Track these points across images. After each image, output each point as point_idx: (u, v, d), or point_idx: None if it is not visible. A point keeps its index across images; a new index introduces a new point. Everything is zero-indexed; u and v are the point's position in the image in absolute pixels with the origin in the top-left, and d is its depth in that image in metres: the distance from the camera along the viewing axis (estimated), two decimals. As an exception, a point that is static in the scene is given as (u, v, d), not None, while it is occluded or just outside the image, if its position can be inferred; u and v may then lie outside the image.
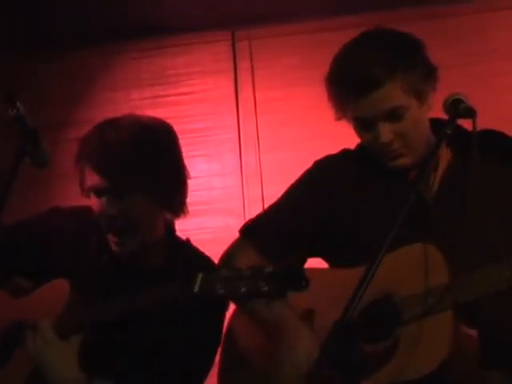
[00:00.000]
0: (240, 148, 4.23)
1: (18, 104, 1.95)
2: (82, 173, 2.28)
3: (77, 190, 2.34)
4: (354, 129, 2.27)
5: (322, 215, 2.30)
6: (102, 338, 2.15)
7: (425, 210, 2.18)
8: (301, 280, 1.84)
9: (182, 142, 4.25)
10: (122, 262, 2.32)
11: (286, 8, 4.19)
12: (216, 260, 2.40)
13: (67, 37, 4.18)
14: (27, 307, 2.24)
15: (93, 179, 2.24)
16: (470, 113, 2.11)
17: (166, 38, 4.37)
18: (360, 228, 2.16)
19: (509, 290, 1.94)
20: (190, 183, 4.19)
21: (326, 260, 2.37)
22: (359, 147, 2.39)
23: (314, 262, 2.40)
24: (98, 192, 2.25)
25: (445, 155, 2.24)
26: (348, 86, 2.21)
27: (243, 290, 1.85)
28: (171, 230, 2.40)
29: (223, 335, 2.33)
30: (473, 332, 2.00)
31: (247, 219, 3.82)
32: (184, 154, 4.25)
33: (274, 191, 3.98)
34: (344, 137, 3.97)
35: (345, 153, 2.41)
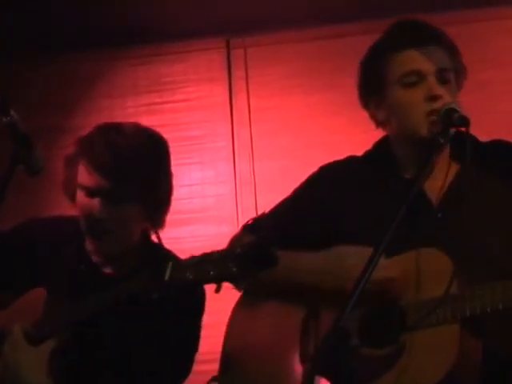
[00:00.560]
0: (234, 156, 4.22)
1: (12, 111, 1.93)
2: (74, 169, 2.26)
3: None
4: (395, 97, 2.23)
5: (326, 219, 2.30)
6: (74, 344, 2.12)
7: (430, 215, 2.18)
8: (269, 258, 1.84)
9: (176, 150, 4.25)
10: (98, 270, 2.30)
11: (281, 16, 4.19)
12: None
13: (64, 43, 4.18)
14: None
15: (92, 178, 2.21)
16: (464, 122, 2.12)
17: (162, 46, 4.37)
18: (364, 232, 2.15)
19: None
20: (184, 191, 4.22)
21: None
22: (366, 154, 2.38)
23: None
24: (94, 192, 2.22)
25: (454, 166, 2.22)
26: (413, 33, 2.24)
27: (212, 273, 1.85)
28: (147, 236, 2.39)
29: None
30: (479, 346, 1.99)
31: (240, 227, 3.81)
32: (178, 162, 4.25)
33: (268, 199, 3.99)
34: (338, 145, 4.02)
35: (351, 159, 2.40)
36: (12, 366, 2.04)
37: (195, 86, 4.33)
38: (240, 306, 2.38)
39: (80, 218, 2.27)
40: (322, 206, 2.31)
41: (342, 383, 2.00)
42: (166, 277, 1.91)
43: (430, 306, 1.97)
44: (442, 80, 2.20)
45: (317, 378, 1.80)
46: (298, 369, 2.14)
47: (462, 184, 2.15)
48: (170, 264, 1.93)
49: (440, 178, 2.19)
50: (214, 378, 2.30)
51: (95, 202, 2.22)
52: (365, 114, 4.24)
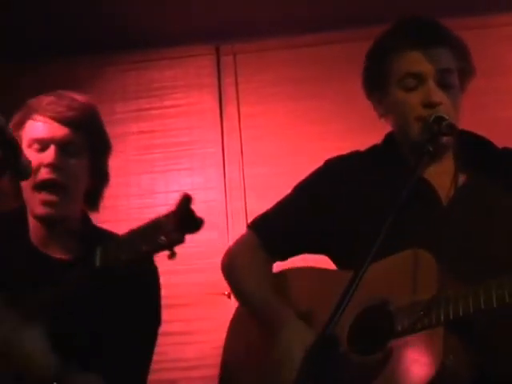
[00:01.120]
0: (224, 162, 4.22)
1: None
2: (19, 128, 2.22)
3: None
4: (395, 98, 2.22)
5: (330, 213, 2.29)
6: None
7: (438, 210, 2.17)
8: (194, 220, 1.84)
9: (165, 156, 4.29)
10: (48, 258, 2.26)
11: (270, 23, 4.19)
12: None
13: (53, 48, 4.17)
14: None
15: (46, 128, 2.18)
16: (452, 129, 2.12)
17: (152, 52, 4.37)
18: (368, 227, 2.14)
19: (499, 308, 1.92)
20: (174, 197, 4.20)
21: (333, 258, 2.35)
22: (370, 149, 2.38)
23: (318, 261, 2.38)
24: (48, 143, 2.19)
25: (464, 172, 2.22)
26: (416, 33, 2.21)
27: (144, 248, 1.84)
28: (87, 219, 2.36)
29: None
30: (465, 347, 1.98)
31: (230, 233, 3.83)
32: (168, 168, 4.29)
33: (257, 205, 3.99)
34: (327, 152, 3.99)
35: (355, 154, 2.39)
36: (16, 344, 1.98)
37: (185, 92, 4.33)
38: (239, 315, 2.36)
39: (26, 187, 2.21)
40: (326, 201, 2.31)
41: None
42: (98, 263, 1.90)
43: (417, 312, 1.97)
44: (443, 83, 2.18)
45: None
46: None
47: (468, 186, 2.16)
48: (99, 249, 1.91)
49: (447, 177, 2.19)
50: None
51: (50, 150, 2.18)
52: (353, 122, 4.27)
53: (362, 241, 1.96)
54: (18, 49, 4.15)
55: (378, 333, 2.04)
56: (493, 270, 1.97)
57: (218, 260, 2.41)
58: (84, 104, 2.25)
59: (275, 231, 2.35)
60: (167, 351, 3.65)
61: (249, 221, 2.46)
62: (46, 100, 2.24)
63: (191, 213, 1.84)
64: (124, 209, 4.13)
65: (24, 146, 2.18)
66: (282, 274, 2.35)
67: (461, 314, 1.93)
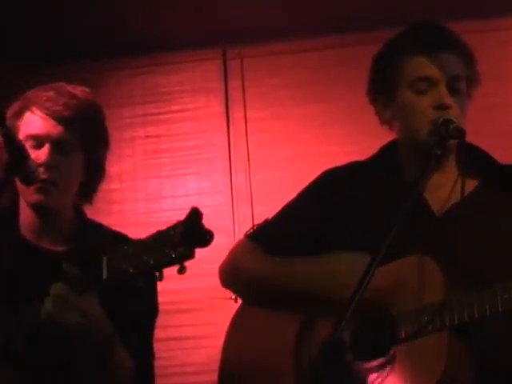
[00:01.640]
0: (230, 166, 4.22)
1: (7, 122, 1.93)
2: (17, 116, 2.22)
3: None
4: (404, 101, 2.22)
5: (330, 223, 2.28)
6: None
7: (430, 222, 2.17)
8: (204, 235, 1.79)
9: (172, 160, 4.29)
10: (35, 247, 2.25)
11: (277, 27, 4.19)
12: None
13: (61, 53, 4.18)
14: None
15: (43, 125, 2.19)
16: (460, 133, 2.12)
17: (158, 56, 4.38)
18: (365, 237, 2.14)
19: (504, 313, 1.92)
20: (181, 201, 4.22)
21: None
22: (370, 158, 2.37)
23: None
24: (43, 140, 2.19)
25: (470, 182, 2.21)
26: (427, 38, 2.21)
27: (152, 262, 1.80)
28: (80, 211, 2.36)
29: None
30: (470, 352, 1.98)
31: (237, 237, 3.82)
32: (175, 172, 4.29)
33: (264, 210, 3.99)
34: (333, 156, 4.01)
35: (355, 163, 2.38)
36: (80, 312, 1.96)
37: (191, 97, 4.34)
38: (237, 319, 2.36)
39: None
40: (325, 211, 2.30)
41: None
42: (105, 275, 1.86)
43: (421, 318, 1.96)
44: (453, 89, 2.18)
45: None
46: None
47: (469, 201, 2.15)
48: (105, 260, 1.87)
49: (445, 189, 2.18)
50: None
51: (44, 149, 2.19)
52: (359, 126, 4.27)
53: (360, 251, 1.97)
54: (26, 53, 4.17)
55: (380, 339, 2.04)
56: (483, 283, 1.97)
57: (225, 265, 2.40)
58: (83, 101, 2.25)
59: (272, 240, 2.34)
60: (175, 356, 3.65)
61: (255, 224, 2.45)
62: (45, 95, 2.24)
63: (200, 227, 1.80)
64: (131, 213, 4.13)
65: (20, 137, 2.20)
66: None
67: (466, 318, 1.93)
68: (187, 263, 2.40)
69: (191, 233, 1.78)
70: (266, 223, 2.37)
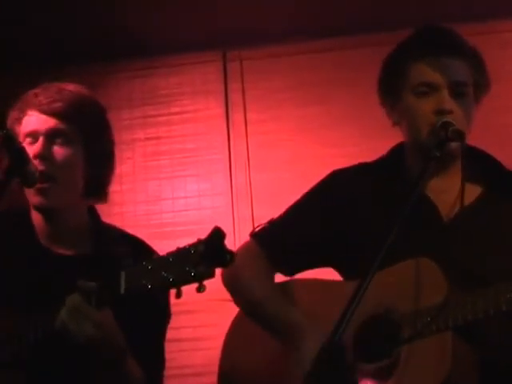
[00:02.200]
0: (230, 168, 4.22)
1: (8, 125, 1.93)
2: (15, 122, 2.24)
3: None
4: (407, 104, 2.23)
5: (335, 225, 2.29)
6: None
7: (438, 227, 2.17)
8: (225, 255, 1.77)
9: (172, 162, 4.29)
10: (48, 251, 2.26)
11: (276, 29, 4.20)
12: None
13: (59, 56, 4.18)
14: None
15: (38, 121, 2.21)
16: (459, 135, 2.13)
17: (158, 58, 4.37)
18: (373, 239, 2.14)
19: (508, 312, 1.92)
20: (180, 203, 4.22)
21: (338, 270, 2.35)
22: (378, 160, 2.37)
23: (323, 273, 2.38)
24: (38, 134, 2.21)
25: (474, 188, 2.21)
26: (433, 43, 2.23)
27: (171, 279, 1.79)
28: (95, 215, 2.36)
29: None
30: (473, 352, 1.98)
31: (237, 239, 3.82)
32: (175, 174, 4.29)
33: (264, 211, 4.01)
34: (332, 158, 4.02)
35: (361, 166, 2.39)
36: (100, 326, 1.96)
37: (191, 99, 4.33)
38: (237, 323, 2.36)
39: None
40: (330, 212, 2.30)
41: None
42: (122, 290, 1.85)
43: (424, 319, 1.96)
44: (456, 93, 2.19)
45: None
46: None
47: (475, 205, 2.15)
48: (123, 274, 1.86)
49: (451, 194, 2.19)
50: None
51: (38, 142, 2.20)
52: (358, 128, 4.27)
53: (367, 253, 1.97)
54: (25, 57, 4.17)
55: (383, 341, 2.04)
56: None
57: (225, 266, 2.40)
58: (72, 92, 2.26)
59: (279, 243, 2.33)
60: (175, 358, 3.64)
61: (255, 226, 2.45)
62: (34, 93, 2.27)
63: (222, 247, 1.78)
64: (131, 215, 4.13)
65: (21, 140, 2.22)
66: (286, 284, 2.34)
67: (470, 318, 1.93)
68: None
69: (212, 252, 1.76)
70: (272, 223, 2.37)
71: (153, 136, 4.32)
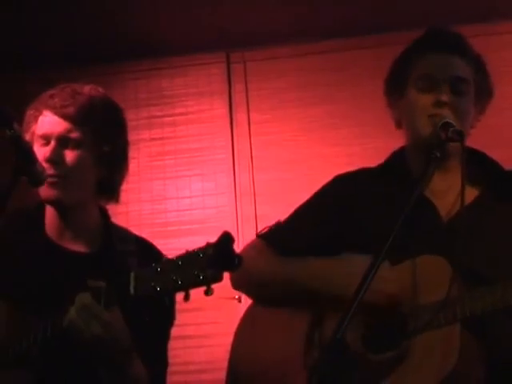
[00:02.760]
0: (234, 168, 4.22)
1: (15, 125, 1.94)
2: (32, 121, 2.26)
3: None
4: (409, 98, 2.23)
5: (339, 227, 2.29)
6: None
7: (438, 228, 2.18)
8: (233, 259, 1.77)
9: (177, 162, 4.29)
10: (59, 248, 2.26)
11: (279, 31, 4.20)
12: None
13: (67, 57, 4.19)
14: None
15: (50, 124, 2.22)
16: (459, 136, 2.13)
17: (163, 60, 4.38)
18: (375, 240, 2.15)
19: None
20: (185, 202, 4.23)
21: None
22: (380, 164, 2.38)
23: None
24: (50, 137, 2.22)
25: (472, 188, 2.21)
26: (437, 39, 2.25)
27: (179, 282, 1.79)
28: (106, 216, 2.36)
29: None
30: (480, 345, 1.98)
31: (240, 237, 3.81)
32: (179, 173, 4.30)
33: (267, 210, 4.02)
34: (335, 157, 4.02)
35: (363, 170, 2.40)
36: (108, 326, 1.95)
37: (195, 100, 4.34)
38: (247, 319, 2.35)
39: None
40: (335, 215, 2.31)
41: None
42: (132, 291, 1.85)
43: (431, 311, 1.97)
44: (456, 90, 2.20)
45: None
46: None
47: (474, 205, 2.15)
48: (133, 275, 1.86)
49: (451, 194, 2.19)
50: None
51: (50, 146, 2.21)
52: (361, 127, 4.27)
53: (369, 253, 1.97)
54: (31, 58, 4.17)
55: (391, 333, 2.05)
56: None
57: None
58: (86, 96, 2.27)
59: (285, 241, 2.33)
60: (179, 354, 3.66)
61: (259, 225, 2.46)
62: (50, 95, 2.27)
63: (231, 251, 1.78)
64: (136, 214, 4.14)
65: (35, 140, 2.24)
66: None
67: (478, 312, 1.94)
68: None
69: (221, 256, 1.76)
70: (278, 226, 2.38)
71: (158, 136, 4.33)
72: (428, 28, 2.32)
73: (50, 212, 2.29)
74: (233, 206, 4.17)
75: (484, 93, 2.28)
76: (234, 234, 4.27)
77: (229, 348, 2.33)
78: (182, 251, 2.40)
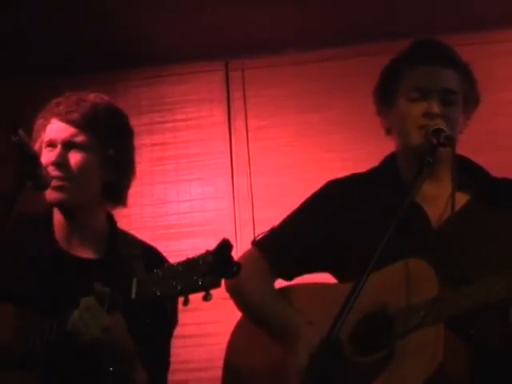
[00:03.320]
0: (232, 172, 4.23)
1: (20, 131, 1.94)
2: (41, 129, 2.28)
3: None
4: (400, 108, 2.25)
5: (331, 231, 2.29)
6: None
7: (429, 234, 2.18)
8: (231, 266, 1.80)
9: (177, 167, 4.29)
10: (66, 254, 2.26)
11: (276, 41, 4.21)
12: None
13: (72, 64, 4.19)
14: None
15: (57, 129, 2.24)
16: (450, 141, 2.13)
17: (164, 68, 4.38)
18: (367, 245, 2.15)
19: (497, 303, 1.93)
20: (185, 206, 4.22)
21: (335, 275, 2.35)
22: (371, 170, 2.38)
23: (321, 277, 2.39)
24: (56, 142, 2.24)
25: (461, 194, 2.21)
26: (427, 52, 2.26)
27: (179, 287, 1.81)
28: (113, 222, 2.37)
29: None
30: (465, 344, 1.98)
31: (239, 240, 3.82)
32: (179, 178, 4.30)
33: (265, 214, 4.02)
34: (330, 162, 4.03)
35: (356, 175, 2.40)
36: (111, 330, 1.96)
37: (195, 106, 4.34)
38: (242, 322, 2.36)
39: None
40: (327, 221, 2.31)
41: None
42: (133, 295, 1.87)
43: (417, 312, 1.97)
44: (445, 101, 2.21)
45: None
46: None
47: (464, 212, 2.16)
48: (135, 281, 1.88)
49: (441, 200, 2.19)
50: None
51: (56, 150, 2.23)
52: (355, 133, 4.27)
53: (361, 258, 1.98)
54: (35, 66, 4.17)
55: (379, 336, 2.05)
56: None
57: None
58: (90, 103, 2.28)
59: (278, 249, 2.34)
60: (179, 353, 3.64)
61: (256, 227, 2.46)
62: (56, 102, 2.30)
63: (229, 259, 1.80)
64: (137, 217, 4.14)
65: (43, 147, 2.26)
66: (285, 290, 2.34)
67: (461, 311, 1.94)
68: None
69: (220, 263, 1.79)
70: (272, 232, 2.38)
71: (159, 142, 4.33)
72: (416, 40, 2.32)
73: (57, 217, 2.30)
74: (231, 210, 4.17)
75: (471, 100, 2.29)
76: (232, 236, 4.31)
77: (228, 347, 2.34)
78: (183, 252, 2.39)
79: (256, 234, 2.42)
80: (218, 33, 4.14)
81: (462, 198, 2.21)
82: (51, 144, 2.25)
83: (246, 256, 2.37)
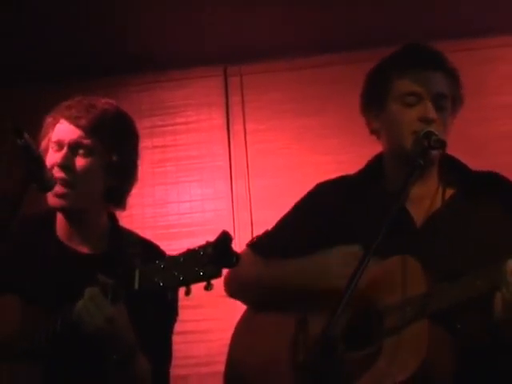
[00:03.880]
0: (231, 175, 4.23)
1: (25, 134, 1.95)
2: (50, 128, 2.28)
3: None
4: (392, 112, 2.24)
5: (323, 233, 2.30)
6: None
7: (412, 232, 2.18)
8: (232, 256, 1.81)
9: (178, 169, 4.30)
10: (69, 250, 2.27)
11: (274, 46, 4.21)
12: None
13: (75, 69, 4.19)
14: None
15: (64, 131, 2.24)
16: (441, 144, 2.14)
17: (164, 73, 4.39)
18: (360, 240, 2.15)
19: (479, 297, 1.93)
20: (185, 206, 4.23)
21: None
22: (357, 173, 2.39)
23: None
24: (62, 143, 2.24)
25: (447, 191, 2.21)
26: (418, 56, 2.25)
27: (181, 278, 1.82)
28: (114, 220, 2.38)
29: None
30: (450, 339, 1.99)
31: (237, 240, 3.82)
32: (180, 179, 4.30)
33: (262, 215, 4.03)
34: (326, 165, 4.03)
35: (344, 177, 2.40)
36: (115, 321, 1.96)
37: (195, 110, 4.35)
38: (243, 323, 2.36)
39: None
40: (318, 219, 2.31)
41: None
42: (136, 286, 1.87)
43: (405, 308, 1.98)
44: (438, 105, 2.20)
45: None
46: None
47: (446, 209, 2.16)
48: (138, 271, 1.89)
49: (427, 200, 2.19)
50: None
51: (62, 152, 2.23)
52: (350, 137, 4.27)
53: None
54: (36, 73, 4.17)
55: (369, 331, 2.05)
56: None
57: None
58: (99, 109, 2.29)
59: (272, 250, 2.34)
60: (179, 349, 3.62)
61: (254, 228, 2.47)
62: (67, 105, 2.31)
63: (229, 249, 1.81)
64: (139, 218, 4.14)
65: (49, 145, 2.27)
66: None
67: (444, 306, 1.94)
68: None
69: (220, 254, 1.80)
70: (266, 234, 2.39)
71: (159, 144, 4.33)
72: (406, 44, 2.32)
73: (60, 216, 2.31)
74: (230, 210, 4.17)
75: (458, 102, 2.30)
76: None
77: (226, 342, 2.34)
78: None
79: (254, 234, 2.43)
80: (217, 39, 4.14)
81: (447, 195, 2.21)
82: (58, 144, 2.26)
83: (241, 257, 2.36)
